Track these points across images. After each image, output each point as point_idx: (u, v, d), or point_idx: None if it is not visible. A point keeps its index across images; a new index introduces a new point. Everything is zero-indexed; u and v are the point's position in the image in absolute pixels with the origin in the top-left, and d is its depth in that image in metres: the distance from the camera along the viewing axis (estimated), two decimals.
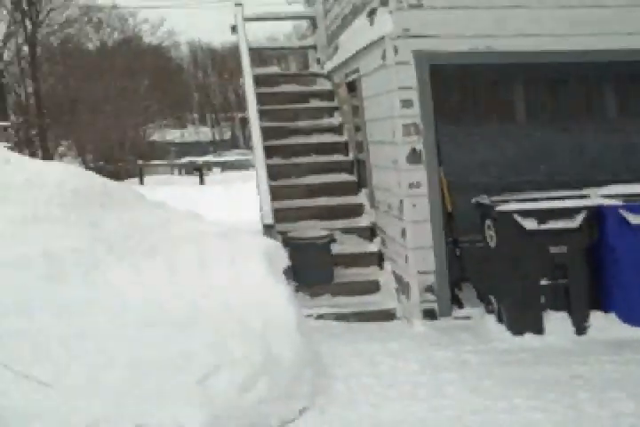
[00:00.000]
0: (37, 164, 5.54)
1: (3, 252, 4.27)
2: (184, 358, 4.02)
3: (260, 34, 30.94)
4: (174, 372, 3.93)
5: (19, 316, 3.95)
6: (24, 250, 4.30)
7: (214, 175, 27.97)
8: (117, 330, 4.07)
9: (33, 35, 26.52)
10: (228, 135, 49.28)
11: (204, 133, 50.00)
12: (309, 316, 6.06)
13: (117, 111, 28.40)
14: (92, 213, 4.95)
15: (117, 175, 22.78)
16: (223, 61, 48.66)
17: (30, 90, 28.27)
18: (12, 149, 9.76)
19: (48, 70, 28.53)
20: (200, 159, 29.01)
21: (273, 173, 7.58)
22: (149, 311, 4.28)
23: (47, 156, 25.79)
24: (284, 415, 4.09)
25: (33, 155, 23.19)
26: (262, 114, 8.28)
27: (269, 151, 7.87)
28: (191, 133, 49.19)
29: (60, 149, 30.49)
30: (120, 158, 29.30)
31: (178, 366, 3.96)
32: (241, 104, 36.37)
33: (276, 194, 7.15)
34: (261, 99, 8.62)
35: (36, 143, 27.56)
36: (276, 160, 8.30)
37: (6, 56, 25.09)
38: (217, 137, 49.34)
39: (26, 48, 27.04)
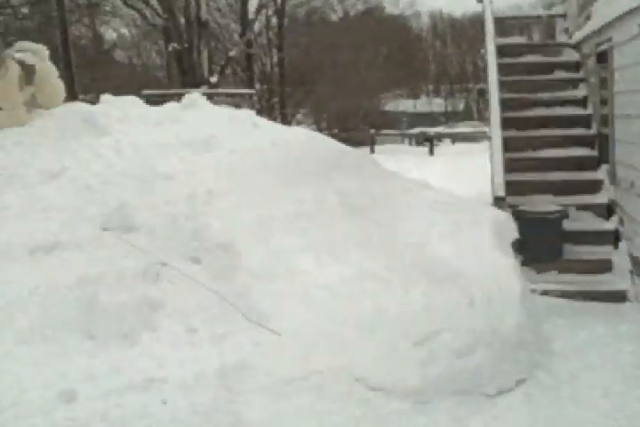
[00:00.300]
0: (282, 128, 5.90)
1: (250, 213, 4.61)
2: (405, 320, 4.16)
3: (500, 3, 29.99)
4: (395, 332, 4.09)
5: None
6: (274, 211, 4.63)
7: (444, 147, 27.86)
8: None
9: (282, 6, 27.86)
10: (461, 107, 48.65)
11: (438, 104, 49.78)
12: (534, 291, 5.93)
13: (354, 81, 29.16)
14: (331, 178, 5.19)
15: (349, 143, 23.45)
16: (463, 31, 47.90)
17: (275, 60, 29.84)
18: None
19: (293, 41, 29.89)
20: (431, 130, 28.99)
21: (508, 146, 7.45)
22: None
23: (285, 122, 27.17)
24: (501, 384, 4.11)
25: (272, 121, 24.51)
26: (502, 85, 8.13)
27: (506, 123, 7.72)
28: (424, 104, 49.22)
29: (298, 116, 31.99)
30: (353, 127, 30.14)
31: (399, 327, 4.11)
32: (478, 75, 35.67)
33: (509, 166, 7.04)
34: (502, 69, 8.46)
35: (276, 110, 29.10)
36: (512, 132, 8.13)
37: (256, 27, 26.63)
38: (450, 108, 48.92)
39: (274, 19, 28.51)
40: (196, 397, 3.53)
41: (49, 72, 5.69)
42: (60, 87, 5.79)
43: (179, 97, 6.22)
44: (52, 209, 4.49)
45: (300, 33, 30.56)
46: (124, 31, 32.06)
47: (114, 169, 4.77)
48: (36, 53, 5.60)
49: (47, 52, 5.74)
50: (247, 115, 5.78)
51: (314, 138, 5.75)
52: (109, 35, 32.73)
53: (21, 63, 5.29)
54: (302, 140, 5.50)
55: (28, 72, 5.35)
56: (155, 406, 3.44)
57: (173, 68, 25.53)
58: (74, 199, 4.57)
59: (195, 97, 5.72)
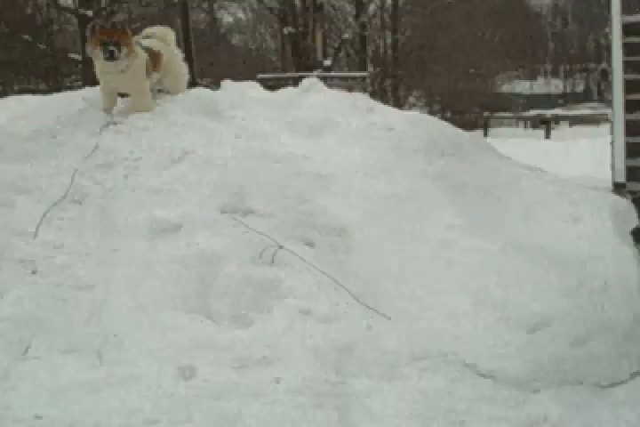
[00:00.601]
0: (396, 112, 5.92)
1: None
2: (516, 307, 4.13)
3: None
4: (505, 319, 4.07)
5: None
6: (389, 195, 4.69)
7: (561, 130, 26.94)
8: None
9: None
10: (580, 88, 46.80)
11: (555, 85, 48.07)
12: None
13: (468, 61, 28.62)
14: (444, 162, 5.18)
15: (462, 126, 23.07)
16: (589, 8, 45.89)
17: (389, 42, 29.66)
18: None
19: (407, 22, 29.59)
20: (548, 112, 28.07)
21: (631, 130, 7.16)
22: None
23: (397, 105, 27.02)
24: (614, 376, 4.01)
25: (385, 104, 24.41)
26: (626, 65, 7.79)
27: (630, 106, 7.41)
28: (541, 85, 47.66)
29: (410, 98, 31.71)
30: (466, 109, 29.60)
31: (510, 314, 4.10)
32: (600, 55, 34.17)
33: (631, 151, 6.78)
34: (628, 49, 8.09)
35: (388, 93, 28.98)
36: (637, 115, 7.79)
37: (371, 9, 26.55)
38: (568, 89, 47.16)
39: (389, 0, 28.32)
40: (307, 377, 3.64)
41: (174, 58, 5.90)
42: (184, 73, 6.01)
43: (293, 81, 6.35)
44: (175, 192, 4.73)
45: (414, 13, 30.19)
46: (241, 15, 32.71)
47: (234, 153, 4.95)
48: (163, 39, 5.80)
49: (174, 37, 5.95)
50: (362, 99, 5.84)
51: (427, 121, 5.75)
52: (225, 19, 33.47)
53: (148, 50, 5.52)
54: (415, 123, 5.51)
55: (154, 58, 5.56)
56: (269, 385, 3.58)
57: (287, 52, 25.86)
58: (195, 183, 4.80)
59: (312, 81, 5.82)
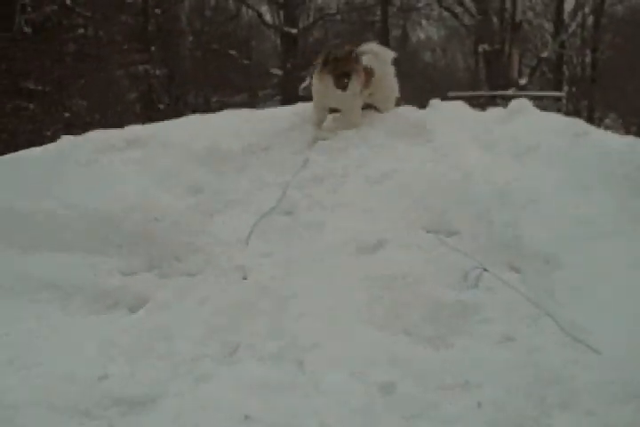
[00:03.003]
0: (609, 136, 5.61)
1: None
2: None
3: None
4: None
5: None
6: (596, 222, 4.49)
7: None
8: None
9: (601, 4, 26.46)
10: None
11: None
12: None
13: None
14: None
15: None
16: None
17: (587, 60, 28.46)
18: None
19: (608, 41, 28.26)
20: None
21: None
22: None
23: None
24: None
25: None
26: None
27: None
28: None
29: (606, 120, 30.19)
30: None
31: None
32: None
33: None
34: None
35: (583, 115, 27.78)
36: None
37: (573, 27, 25.64)
38: None
39: (590, 18, 27.21)
40: (508, 406, 3.53)
41: (386, 76, 5.94)
42: (394, 91, 6.05)
43: (485, 99, 6.25)
44: (378, 210, 4.80)
45: (617, 32, 28.76)
46: (432, 32, 32.76)
47: (436, 174, 4.96)
48: (378, 56, 5.87)
49: (391, 56, 5.99)
50: (572, 122, 5.62)
51: None
52: (415, 35, 33.64)
53: (364, 66, 5.61)
54: (632, 150, 5.20)
55: (367, 75, 5.65)
56: (469, 411, 3.50)
57: (480, 70, 25.56)
58: (398, 202, 4.85)
59: (523, 103, 5.68)
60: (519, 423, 3.46)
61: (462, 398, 3.58)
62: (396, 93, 6.08)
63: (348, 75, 5.34)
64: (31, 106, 15.62)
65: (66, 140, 5.98)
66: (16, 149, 6.15)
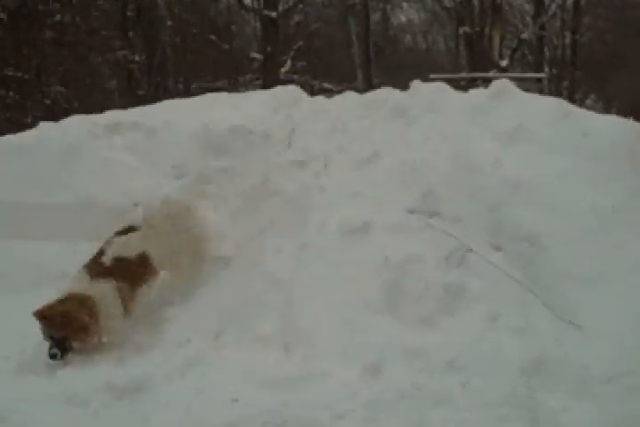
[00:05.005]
0: (592, 117, 5.60)
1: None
2: None
3: None
4: None
5: None
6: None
7: None
8: None
9: None
10: None
11: None
12: None
13: None
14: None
15: None
16: None
17: (567, 42, 28.45)
18: None
19: (588, 24, 28.25)
20: None
21: None
22: None
23: None
24: None
25: None
26: None
27: None
28: None
29: (587, 101, 30.28)
30: None
31: None
32: None
33: None
34: None
35: (563, 95, 27.80)
36: None
37: (553, 8, 25.57)
38: None
39: (570, 0, 27.17)
40: (495, 386, 3.54)
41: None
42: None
43: (466, 82, 6.23)
44: (363, 193, 4.79)
45: (597, 15, 28.77)
46: (413, 15, 32.60)
47: (423, 156, 4.95)
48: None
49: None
50: (555, 103, 5.61)
51: (626, 126, 5.39)
52: (396, 19, 33.45)
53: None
54: (616, 129, 5.20)
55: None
56: (454, 390, 3.52)
57: (461, 53, 25.52)
58: (383, 184, 4.84)
59: (504, 84, 5.65)
60: (506, 402, 3.48)
61: (448, 380, 3.58)
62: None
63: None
64: (10, 93, 15.41)
65: (45, 127, 5.91)
66: None
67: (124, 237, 4.25)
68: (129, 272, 4.15)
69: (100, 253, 4.20)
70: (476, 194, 4.59)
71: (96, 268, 4.13)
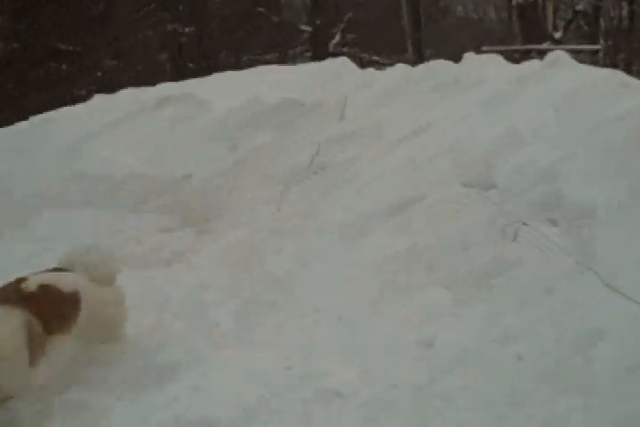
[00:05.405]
0: None
1: None
2: None
3: None
4: None
5: None
6: None
7: None
8: None
9: None
10: None
11: None
12: None
13: None
14: None
15: None
16: None
17: (624, 13, 27.58)
18: None
19: None
20: None
21: None
22: None
23: None
24: None
25: None
26: None
27: None
28: None
29: None
30: None
31: None
32: None
33: None
34: None
35: (619, 68, 27.04)
36: None
37: None
38: None
39: None
40: (550, 360, 3.52)
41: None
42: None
43: (519, 53, 6.07)
44: (414, 165, 4.76)
45: None
46: None
47: (476, 127, 4.88)
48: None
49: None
50: (612, 74, 5.46)
51: None
52: None
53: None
54: None
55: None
56: (509, 360, 3.50)
57: (514, 23, 24.96)
58: (434, 156, 4.80)
59: (558, 54, 5.53)
60: (560, 376, 3.45)
61: (503, 349, 3.55)
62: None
63: None
64: (63, 66, 15.65)
65: (98, 99, 5.99)
66: (48, 110, 6.16)
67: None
68: (54, 308, 3.07)
69: (22, 279, 3.16)
70: (531, 166, 4.51)
71: (8, 292, 3.05)
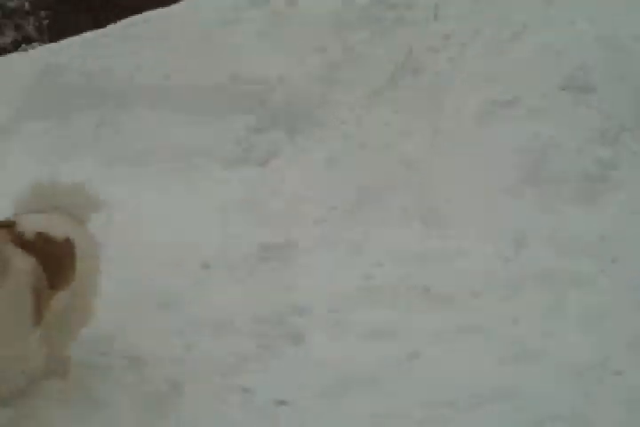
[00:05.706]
0: None
1: None
2: None
3: None
4: None
5: None
6: None
7: None
8: None
9: None
10: None
11: None
12: None
13: None
14: None
15: None
16: None
17: None
18: None
19: None
20: None
21: None
22: None
23: None
24: None
25: None
26: None
27: None
28: None
29: None
30: None
31: None
32: None
33: None
34: None
35: None
36: None
37: None
38: None
39: None
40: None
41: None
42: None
43: None
44: (511, 67, 4.59)
45: None
46: None
47: (564, 39, 4.63)
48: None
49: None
50: None
51: None
52: None
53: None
54: None
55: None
56: (595, 273, 3.42)
57: None
58: (532, 58, 4.61)
59: None
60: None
61: (591, 261, 3.47)
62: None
63: None
64: None
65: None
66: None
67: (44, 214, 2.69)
68: (55, 260, 2.51)
69: (14, 221, 2.55)
70: (628, 77, 4.30)
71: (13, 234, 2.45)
